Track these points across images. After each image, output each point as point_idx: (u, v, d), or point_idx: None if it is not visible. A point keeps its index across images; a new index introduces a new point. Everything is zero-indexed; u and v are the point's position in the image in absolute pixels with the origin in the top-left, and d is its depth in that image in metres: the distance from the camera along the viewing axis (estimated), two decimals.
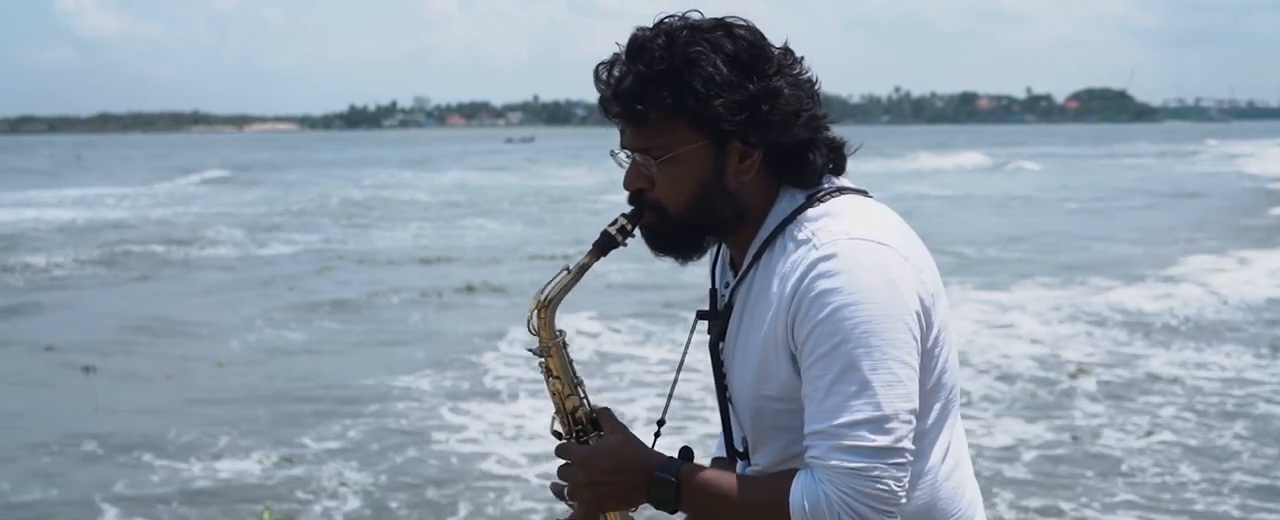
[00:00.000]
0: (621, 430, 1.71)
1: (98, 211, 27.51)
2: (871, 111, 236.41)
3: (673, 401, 1.97)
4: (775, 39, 1.69)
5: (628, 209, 1.73)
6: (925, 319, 1.61)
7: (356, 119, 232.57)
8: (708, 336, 1.78)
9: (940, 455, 1.71)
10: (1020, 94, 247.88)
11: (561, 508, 1.78)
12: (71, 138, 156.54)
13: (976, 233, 19.55)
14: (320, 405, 8.22)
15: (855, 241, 1.59)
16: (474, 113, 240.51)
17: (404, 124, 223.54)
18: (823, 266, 1.57)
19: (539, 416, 7.45)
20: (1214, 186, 32.40)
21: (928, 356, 1.64)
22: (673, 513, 1.66)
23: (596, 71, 1.69)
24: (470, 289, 13.61)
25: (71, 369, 9.49)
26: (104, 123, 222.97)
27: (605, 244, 1.71)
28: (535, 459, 6.72)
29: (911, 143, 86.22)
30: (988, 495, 6.32)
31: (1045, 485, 6.14)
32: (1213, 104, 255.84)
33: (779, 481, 1.59)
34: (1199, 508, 5.79)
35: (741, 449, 1.80)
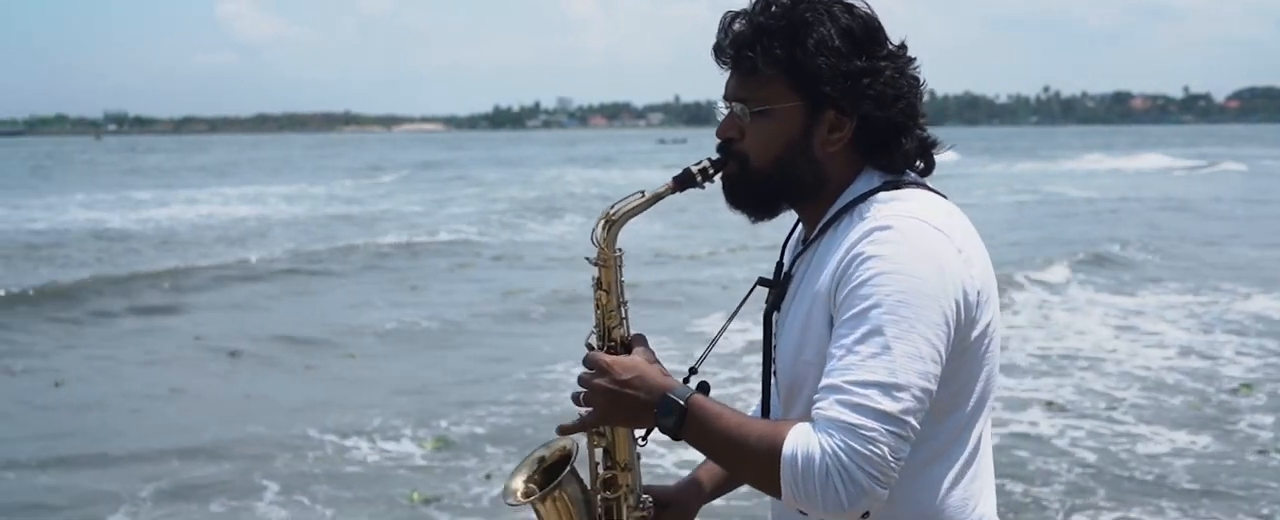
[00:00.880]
0: (650, 354, 1.75)
1: (333, 207, 28.90)
2: (1018, 112, 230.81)
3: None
4: (918, 39, 1.78)
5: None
6: (966, 313, 1.61)
7: (501, 119, 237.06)
8: (765, 306, 1.81)
9: (962, 455, 1.70)
10: (1176, 93, 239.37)
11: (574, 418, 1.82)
12: (232, 137, 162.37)
13: None
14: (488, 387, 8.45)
15: (913, 220, 1.62)
16: (615, 113, 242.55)
17: (547, 124, 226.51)
18: (877, 235, 1.61)
19: None
20: None
21: (967, 353, 1.65)
22: (675, 438, 1.67)
23: (722, 18, 1.73)
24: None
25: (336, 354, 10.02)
26: (261, 123, 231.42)
27: (685, 180, 1.75)
28: (674, 444, 6.77)
29: (1068, 143, 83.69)
30: (1157, 506, 6.25)
31: (1224, 497, 5.93)
32: None
33: (778, 429, 1.58)
34: None
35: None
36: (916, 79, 1.73)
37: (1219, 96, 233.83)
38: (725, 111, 1.76)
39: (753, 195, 1.76)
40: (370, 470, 6.69)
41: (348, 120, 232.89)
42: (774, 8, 1.69)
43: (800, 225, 1.84)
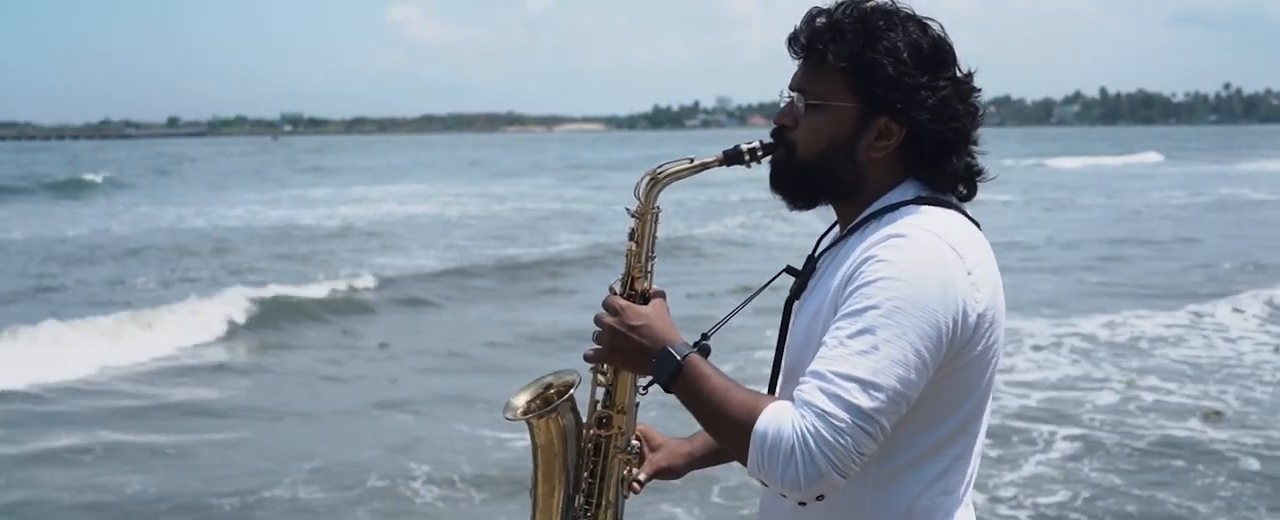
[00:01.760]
0: (661, 306, 1.84)
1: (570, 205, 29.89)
2: (1197, 110, 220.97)
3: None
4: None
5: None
6: (963, 333, 1.66)
7: (660, 119, 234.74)
8: (789, 294, 1.89)
9: (937, 468, 1.75)
10: None
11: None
12: (401, 137, 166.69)
13: None
14: None
15: (929, 234, 1.68)
16: (774, 113, 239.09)
17: (706, 124, 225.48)
18: (892, 241, 1.67)
19: None
20: None
21: (959, 373, 1.70)
22: (667, 390, 1.75)
23: (808, 12, 1.81)
24: None
25: None
26: (428, 124, 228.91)
27: (733, 156, 1.85)
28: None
29: (1255, 143, 79.76)
30: None
31: None
32: None
33: (759, 401, 1.66)
34: None
35: None
36: (975, 107, 1.79)
37: None
38: (787, 99, 1.84)
39: (793, 184, 1.84)
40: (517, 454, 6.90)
41: (511, 121, 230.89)
42: (854, 11, 1.76)
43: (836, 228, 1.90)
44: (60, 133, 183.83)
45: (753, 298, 1.98)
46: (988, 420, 1.83)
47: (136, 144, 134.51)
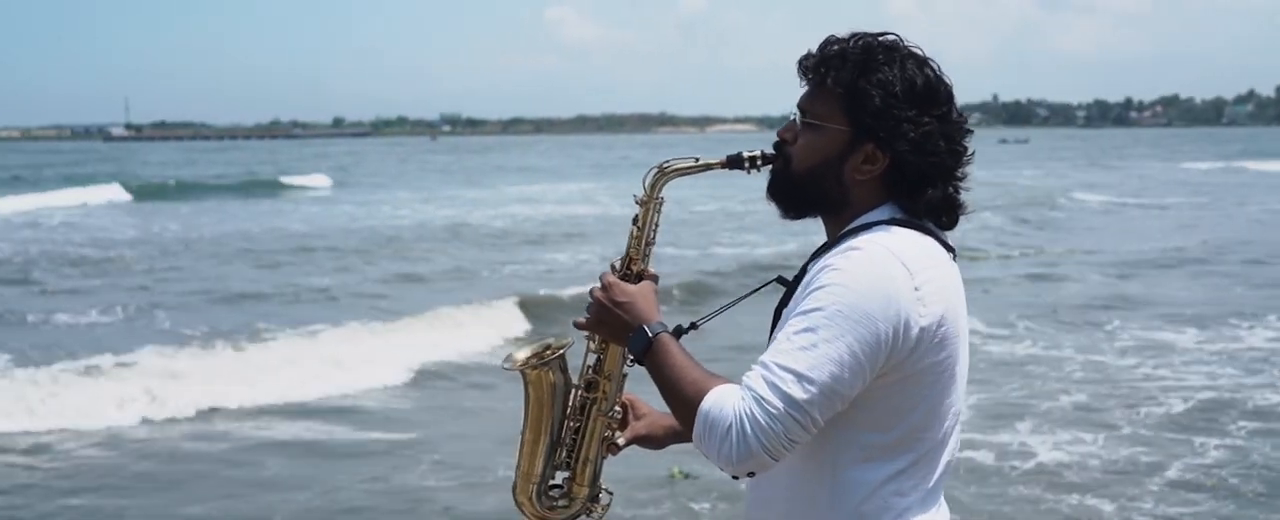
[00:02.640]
0: (648, 288, 2.04)
1: None
2: None
3: None
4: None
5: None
6: (904, 344, 1.80)
7: None
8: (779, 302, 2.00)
9: (888, 471, 1.88)
10: None
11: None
12: (555, 138, 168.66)
13: None
14: None
15: (882, 249, 1.83)
16: None
17: None
18: (847, 252, 1.83)
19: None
20: None
21: (907, 382, 1.84)
22: (639, 362, 1.96)
23: (824, 40, 1.97)
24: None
25: None
26: (581, 124, 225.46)
27: (735, 161, 2.03)
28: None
29: None
30: None
31: None
32: None
33: (710, 381, 1.85)
34: None
35: None
36: (961, 146, 1.92)
37: None
38: (793, 116, 2.00)
39: (785, 194, 2.00)
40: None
41: (663, 121, 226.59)
42: (861, 43, 1.91)
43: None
44: (232, 133, 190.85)
45: (739, 300, 2.17)
46: (954, 437, 1.95)
47: (306, 143, 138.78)
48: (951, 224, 1.97)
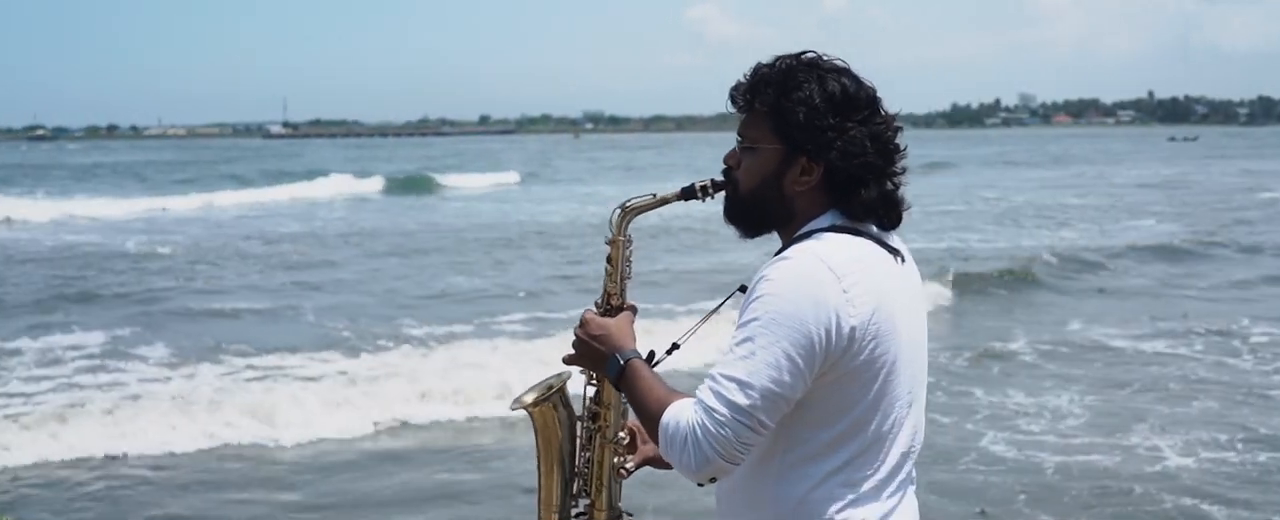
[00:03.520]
0: (625, 319, 2.17)
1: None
2: None
3: None
4: None
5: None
6: (839, 341, 1.91)
7: (958, 117, 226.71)
8: None
9: (832, 463, 1.98)
10: None
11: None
12: (696, 135, 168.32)
13: None
14: None
15: (811, 257, 1.94)
16: (1081, 110, 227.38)
17: (1006, 122, 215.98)
18: (778, 263, 1.95)
19: None
20: None
21: (845, 378, 1.95)
22: (616, 388, 2.11)
23: (753, 67, 2.09)
24: None
25: None
26: (722, 121, 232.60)
27: (688, 192, 2.16)
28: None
29: None
30: None
31: None
32: None
33: (670, 398, 1.98)
34: None
35: None
36: (890, 145, 2.04)
37: None
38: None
39: (738, 216, 2.11)
40: None
41: None
42: (780, 64, 2.03)
43: None
44: (383, 130, 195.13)
45: (708, 316, 2.25)
46: (907, 427, 2.04)
47: (452, 140, 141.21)
48: (894, 223, 2.06)
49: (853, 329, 1.92)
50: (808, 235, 2.01)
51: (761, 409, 1.89)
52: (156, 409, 8.66)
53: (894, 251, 2.04)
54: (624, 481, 2.33)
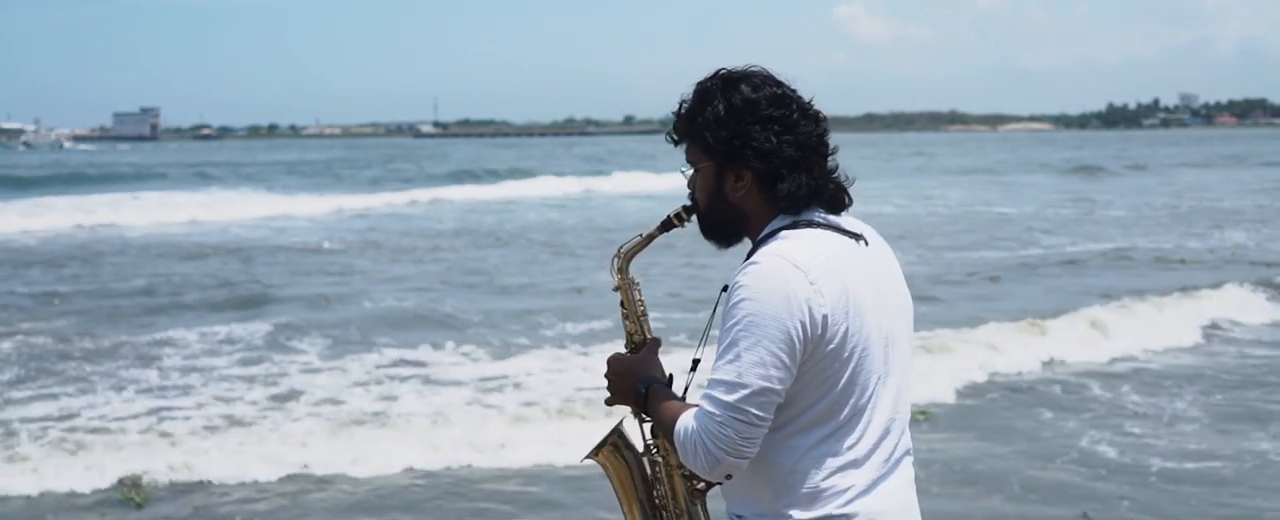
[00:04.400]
0: (647, 353, 2.34)
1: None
2: None
3: None
4: None
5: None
6: (815, 328, 2.06)
7: (1115, 118, 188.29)
8: None
9: (816, 436, 2.14)
10: None
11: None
12: (845, 136, 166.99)
13: None
14: None
15: (777, 258, 2.09)
16: (1246, 111, 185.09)
17: (1166, 123, 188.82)
18: (748, 269, 2.10)
19: None
20: None
21: (821, 360, 2.09)
22: (645, 413, 2.28)
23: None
24: None
25: None
26: (868, 122, 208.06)
27: (667, 224, 2.33)
28: None
29: None
30: None
31: None
32: None
33: (682, 410, 2.17)
34: None
35: None
36: (811, 138, 2.16)
37: None
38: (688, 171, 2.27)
39: (710, 231, 2.29)
40: None
41: (953, 119, 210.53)
42: (696, 89, 2.22)
43: None
44: (529, 130, 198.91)
45: (711, 321, 2.28)
46: (885, 398, 2.17)
47: (597, 140, 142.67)
48: (840, 207, 2.22)
49: (825, 317, 2.07)
50: (771, 236, 2.16)
51: (753, 404, 2.05)
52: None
53: (854, 235, 2.18)
54: (708, 495, 2.39)
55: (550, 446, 7.30)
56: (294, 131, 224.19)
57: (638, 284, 2.44)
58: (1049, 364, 9.86)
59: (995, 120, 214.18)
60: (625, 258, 2.43)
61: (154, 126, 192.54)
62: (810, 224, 2.17)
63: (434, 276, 15.83)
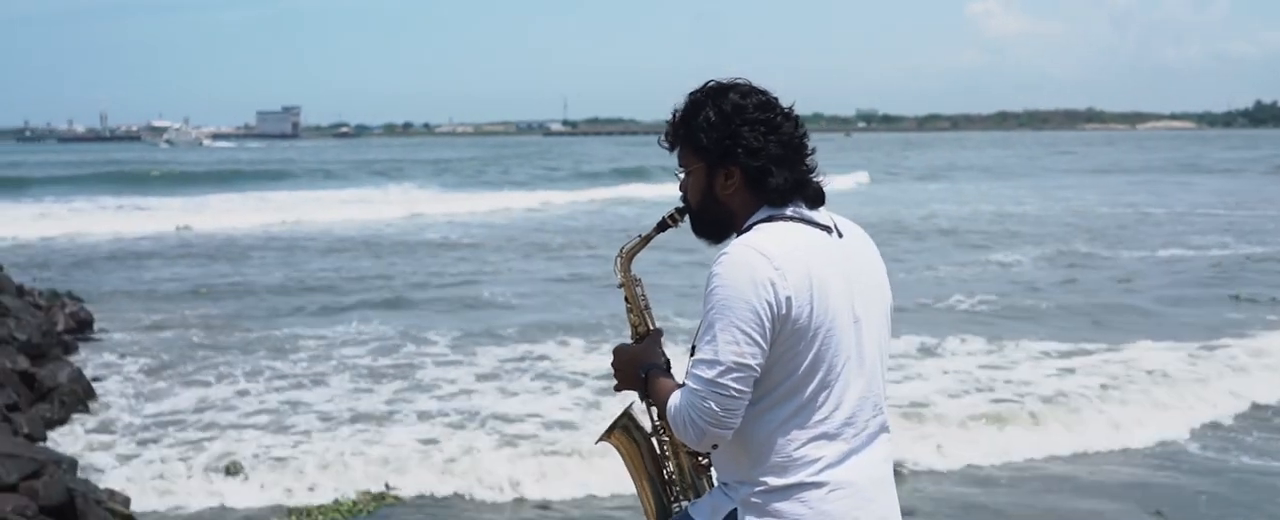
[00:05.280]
0: (649, 343, 2.58)
1: None
2: None
3: None
4: None
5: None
6: (781, 307, 2.26)
7: (1263, 115, 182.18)
8: None
9: (788, 409, 2.34)
10: None
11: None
12: (975, 134, 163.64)
13: None
14: None
15: (744, 247, 2.30)
16: None
17: None
18: (720, 258, 2.32)
19: None
20: None
21: (789, 338, 2.29)
22: (645, 397, 2.51)
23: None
24: None
25: None
26: (1000, 120, 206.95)
27: (662, 225, 2.57)
28: None
29: None
30: None
31: None
32: None
33: (674, 389, 2.38)
34: None
35: None
36: (793, 139, 2.39)
37: None
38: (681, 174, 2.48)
39: (701, 229, 2.50)
40: None
41: (1089, 117, 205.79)
42: (687, 100, 2.44)
43: None
44: (657, 129, 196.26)
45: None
46: (857, 377, 2.37)
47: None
48: (817, 202, 2.43)
49: (788, 298, 2.27)
50: (746, 230, 2.38)
51: (730, 379, 2.27)
52: None
53: (826, 228, 2.39)
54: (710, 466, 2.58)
55: None
56: (428, 130, 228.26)
57: (639, 280, 2.67)
58: None
59: (1134, 119, 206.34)
60: (627, 257, 2.68)
61: (295, 125, 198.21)
62: (784, 218, 2.39)
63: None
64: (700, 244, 2.54)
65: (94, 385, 9.43)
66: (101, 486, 6.68)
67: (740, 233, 2.40)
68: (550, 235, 22.81)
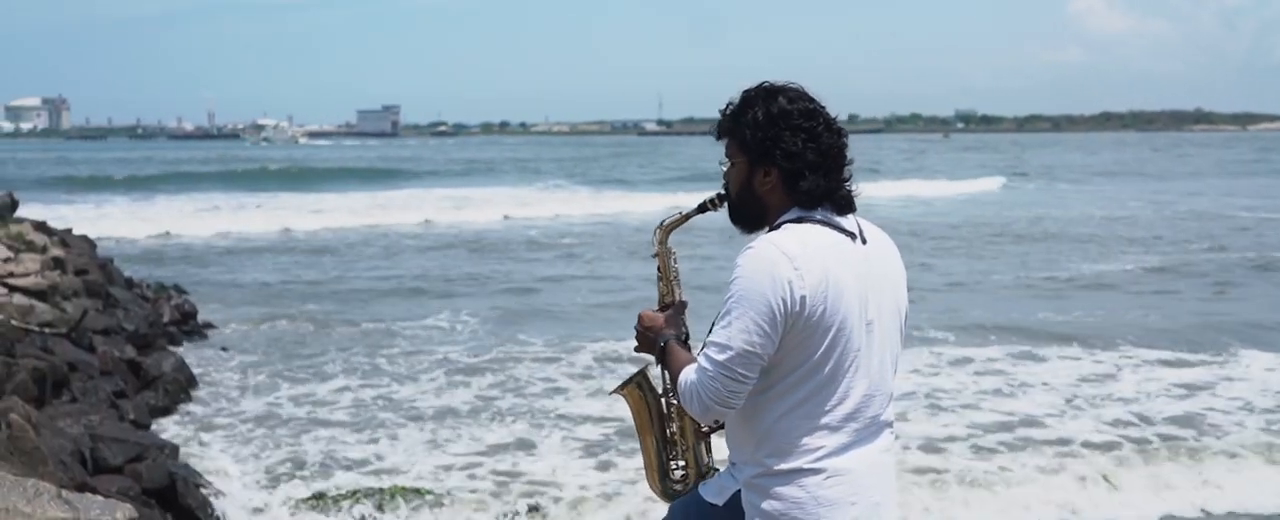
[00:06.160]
0: (673, 313, 2.75)
1: None
2: None
3: None
4: None
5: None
6: (794, 304, 2.42)
7: None
8: None
9: (793, 399, 2.50)
10: None
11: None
12: (1076, 135, 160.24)
13: None
14: None
15: (769, 244, 2.45)
16: None
17: None
18: (745, 251, 2.48)
19: None
20: None
21: (800, 333, 2.45)
22: (661, 365, 2.71)
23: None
24: None
25: None
26: (1104, 121, 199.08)
27: (702, 207, 2.75)
28: None
29: None
30: None
31: None
32: None
33: (688, 362, 2.57)
34: None
35: None
36: (832, 147, 2.51)
37: None
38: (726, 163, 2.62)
39: (735, 218, 2.65)
40: None
41: (1198, 118, 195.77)
42: (741, 97, 2.57)
43: None
44: None
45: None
46: (863, 373, 2.51)
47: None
48: (847, 209, 2.57)
49: (803, 297, 2.42)
50: (775, 227, 2.53)
51: (738, 363, 2.44)
52: None
53: (850, 233, 2.52)
54: (712, 437, 2.86)
55: None
56: (523, 128, 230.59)
57: (675, 253, 2.86)
58: None
59: (1245, 119, 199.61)
60: (666, 230, 2.86)
61: (394, 123, 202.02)
62: (811, 220, 2.53)
63: None
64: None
65: (196, 375, 9.79)
66: (201, 471, 6.96)
67: (770, 229, 2.55)
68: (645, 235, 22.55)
